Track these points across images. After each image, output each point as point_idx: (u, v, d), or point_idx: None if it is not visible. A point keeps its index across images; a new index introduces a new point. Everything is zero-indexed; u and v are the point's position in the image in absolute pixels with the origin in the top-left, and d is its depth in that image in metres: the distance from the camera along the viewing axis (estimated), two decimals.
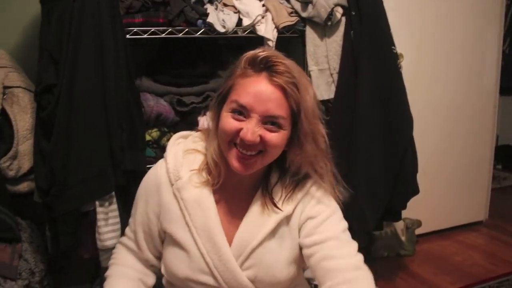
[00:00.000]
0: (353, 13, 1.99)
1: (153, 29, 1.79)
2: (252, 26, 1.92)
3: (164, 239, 1.20)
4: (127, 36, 1.72)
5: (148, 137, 1.83)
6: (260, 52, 1.04)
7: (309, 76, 2.03)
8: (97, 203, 1.63)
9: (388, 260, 2.68)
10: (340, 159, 1.96)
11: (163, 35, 1.81)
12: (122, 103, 1.66)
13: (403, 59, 2.46)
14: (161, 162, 1.19)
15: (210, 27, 1.83)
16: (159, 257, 1.24)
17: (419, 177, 2.18)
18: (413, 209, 2.34)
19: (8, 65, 1.83)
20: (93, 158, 1.61)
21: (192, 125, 1.79)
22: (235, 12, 1.92)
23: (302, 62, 2.16)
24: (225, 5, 1.94)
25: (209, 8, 1.87)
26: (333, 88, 2.04)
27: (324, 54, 2.03)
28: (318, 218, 1.11)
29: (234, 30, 1.89)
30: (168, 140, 1.33)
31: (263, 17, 1.95)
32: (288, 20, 1.96)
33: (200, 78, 1.95)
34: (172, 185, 1.14)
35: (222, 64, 1.99)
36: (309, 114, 1.05)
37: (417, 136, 2.14)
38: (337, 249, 1.07)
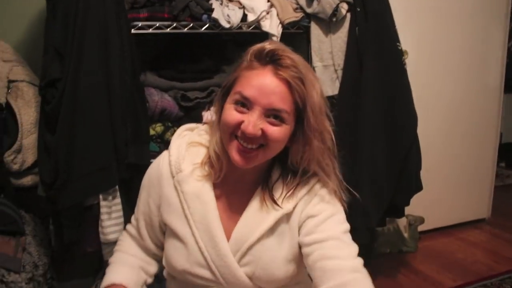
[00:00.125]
0: (358, 9, 1.98)
1: (158, 24, 1.79)
2: (257, 22, 1.92)
3: (165, 230, 1.20)
4: (132, 31, 1.72)
5: (152, 132, 1.83)
6: (267, 45, 1.03)
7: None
8: (100, 197, 1.64)
9: (391, 256, 2.67)
10: (344, 155, 1.98)
11: (167, 30, 1.81)
12: (126, 98, 1.66)
13: (407, 56, 2.46)
14: (165, 153, 1.19)
15: (215, 22, 1.83)
16: (160, 246, 1.24)
17: (423, 174, 2.18)
18: (416, 206, 2.34)
19: (13, 59, 1.83)
20: (97, 152, 1.61)
21: (196, 120, 1.78)
22: (240, 8, 1.92)
23: (306, 58, 2.14)
24: (230, 0, 1.94)
25: (214, 3, 1.87)
26: (337, 84, 2.04)
27: (329, 50, 2.02)
28: (319, 217, 1.09)
29: (239, 26, 1.88)
30: (172, 135, 1.33)
31: (268, 13, 1.94)
32: (293, 16, 1.95)
33: (205, 73, 1.95)
34: (173, 177, 1.14)
35: (226, 59, 1.99)
36: (316, 110, 1.03)
37: (421, 133, 2.14)
38: (336, 249, 1.04)
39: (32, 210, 1.81)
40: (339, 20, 2.00)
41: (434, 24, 2.75)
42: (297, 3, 2.01)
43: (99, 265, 2.00)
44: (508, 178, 4.08)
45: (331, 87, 2.04)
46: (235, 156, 1.04)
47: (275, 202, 1.10)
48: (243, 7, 1.92)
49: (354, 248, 1.06)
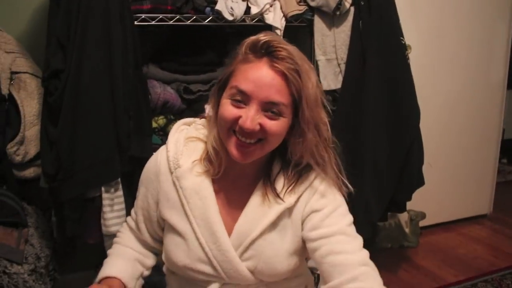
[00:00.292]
0: (362, 3, 1.97)
1: (161, 16, 1.78)
2: (260, 15, 1.91)
3: (163, 226, 1.20)
4: (135, 23, 1.71)
5: (154, 124, 1.83)
6: (262, 37, 1.01)
7: (317, 66, 2.02)
8: (103, 189, 1.63)
9: (392, 251, 2.68)
10: (347, 149, 1.98)
11: (171, 22, 1.81)
12: (129, 90, 1.65)
13: (411, 51, 2.45)
14: (162, 148, 1.18)
15: (218, 15, 1.82)
16: (159, 240, 1.24)
17: (424, 169, 2.18)
18: (417, 201, 2.34)
19: (15, 50, 1.83)
20: (100, 144, 1.61)
21: (198, 113, 1.78)
22: (243, 0, 1.91)
23: (309, 51, 2.14)
24: None
25: None
26: (340, 78, 2.03)
27: (332, 44, 2.02)
28: (324, 211, 1.08)
29: (242, 18, 1.88)
30: None
31: (271, 6, 1.94)
32: (296, 9, 1.95)
33: (207, 66, 1.95)
34: (171, 173, 1.13)
35: (229, 52, 1.98)
36: (311, 102, 1.02)
37: (423, 128, 2.14)
38: (344, 244, 1.04)
39: (34, 202, 1.81)
40: (342, 14, 1.99)
41: (438, 19, 2.75)
42: None
43: (101, 258, 2.00)
44: (510, 174, 4.09)
45: (334, 81, 2.03)
46: (233, 151, 1.03)
47: (277, 195, 1.10)
48: (247, 0, 1.92)
49: (360, 240, 1.07)
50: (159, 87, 1.82)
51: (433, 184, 2.62)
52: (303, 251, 1.13)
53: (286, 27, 1.94)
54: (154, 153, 1.21)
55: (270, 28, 1.92)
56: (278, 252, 1.09)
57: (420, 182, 2.17)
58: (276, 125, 1.01)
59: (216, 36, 2.02)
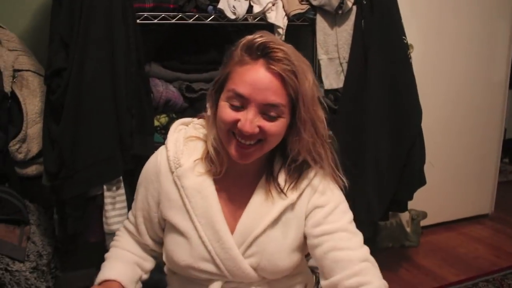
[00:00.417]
0: (364, 2, 1.97)
1: (163, 14, 1.78)
2: (263, 13, 1.91)
3: (164, 227, 1.20)
4: (137, 21, 1.71)
5: (156, 123, 1.83)
6: (257, 38, 1.00)
7: (319, 65, 2.02)
8: (104, 187, 1.64)
9: (393, 251, 2.68)
10: (348, 148, 1.98)
11: (173, 21, 1.81)
12: (131, 88, 1.65)
13: (413, 50, 2.45)
14: (161, 149, 1.18)
15: (221, 14, 1.82)
16: (159, 242, 1.24)
17: (426, 168, 2.18)
18: (419, 201, 2.34)
19: (18, 48, 1.83)
20: (102, 142, 1.61)
21: (200, 112, 1.78)
22: None
23: (311, 50, 2.15)
24: None
25: None
26: (342, 77, 2.03)
27: (334, 43, 2.02)
28: (326, 208, 1.10)
29: (245, 17, 1.88)
30: None
31: (273, 4, 1.93)
32: (298, 8, 1.94)
33: (209, 64, 1.95)
34: (172, 172, 1.13)
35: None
36: (308, 101, 1.03)
37: (424, 128, 2.14)
38: (346, 240, 1.07)
39: (36, 199, 1.81)
40: (345, 13, 1.99)
41: (440, 18, 2.74)
42: None
43: (103, 256, 2.00)
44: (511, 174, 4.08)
45: (336, 80, 2.03)
46: (233, 152, 1.04)
47: (281, 191, 1.10)
48: None
49: (360, 236, 1.10)
50: (161, 86, 1.82)
51: (435, 183, 2.62)
52: (304, 247, 1.14)
53: (288, 26, 1.94)
54: (155, 152, 1.22)
55: (272, 26, 1.91)
56: (280, 248, 1.10)
57: (421, 181, 2.17)
58: (275, 126, 1.02)
59: (218, 34, 2.02)
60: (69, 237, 1.73)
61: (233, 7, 1.84)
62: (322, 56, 2.02)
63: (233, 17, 1.83)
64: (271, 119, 1.01)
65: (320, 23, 2.00)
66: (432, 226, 3.03)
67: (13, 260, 1.45)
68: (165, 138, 1.83)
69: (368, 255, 1.06)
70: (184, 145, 1.15)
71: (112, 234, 1.63)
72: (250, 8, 1.90)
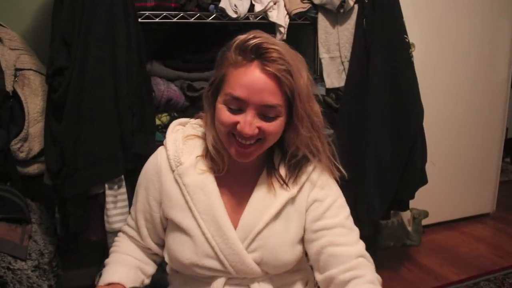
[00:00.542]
0: (366, 1, 1.97)
1: (165, 13, 1.78)
2: (264, 12, 1.91)
3: (166, 226, 1.20)
4: (139, 20, 1.71)
5: (158, 122, 1.83)
6: (251, 40, 1.00)
7: (320, 64, 2.02)
8: (106, 186, 1.64)
9: (394, 250, 2.68)
10: (350, 147, 1.98)
11: (174, 20, 1.81)
12: (132, 87, 1.65)
13: (414, 49, 2.44)
14: (160, 149, 1.19)
15: (222, 13, 1.82)
16: (161, 245, 1.24)
17: (428, 167, 2.17)
18: (420, 200, 2.33)
19: (20, 47, 1.83)
20: (103, 141, 1.61)
21: (202, 110, 1.79)
22: None
23: (313, 49, 2.15)
24: None
25: None
26: (343, 76, 2.03)
27: (336, 41, 2.01)
28: (325, 202, 1.13)
29: (246, 16, 1.88)
30: None
31: (275, 3, 1.93)
32: (300, 6, 1.94)
33: (211, 63, 1.92)
34: (173, 171, 1.14)
35: None
36: (303, 98, 1.04)
37: (426, 127, 2.13)
38: (343, 236, 1.10)
39: (38, 198, 1.81)
40: (346, 12, 1.99)
41: (442, 17, 2.74)
42: None
43: (104, 254, 2.00)
44: None
45: (338, 79, 2.03)
46: (234, 153, 1.06)
47: (284, 182, 1.13)
48: None
49: (357, 232, 1.14)
50: (163, 85, 1.82)
51: (436, 182, 2.62)
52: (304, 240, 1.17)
53: (289, 24, 1.94)
54: (154, 153, 1.22)
55: (273, 25, 1.91)
56: (283, 242, 1.12)
57: (423, 180, 2.16)
58: (274, 126, 1.04)
59: (220, 33, 2.02)
60: (70, 236, 1.73)
61: (235, 6, 1.83)
62: (323, 55, 2.01)
63: (234, 16, 1.83)
64: (270, 119, 1.03)
65: (322, 21, 2.00)
66: (433, 225, 3.04)
67: (15, 258, 1.45)
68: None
69: (363, 251, 1.10)
70: (183, 144, 1.16)
71: (114, 232, 1.64)
72: (252, 7, 1.90)
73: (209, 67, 1.93)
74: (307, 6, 1.97)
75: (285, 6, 1.94)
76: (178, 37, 2.01)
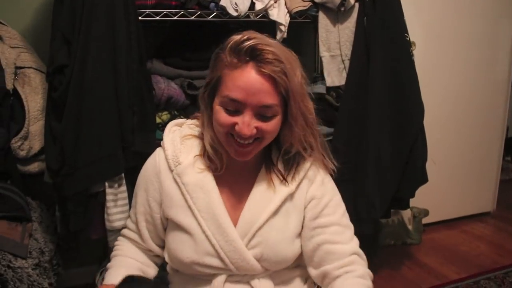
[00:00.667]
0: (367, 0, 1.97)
1: (165, 11, 1.78)
2: (265, 10, 1.90)
3: (166, 226, 1.21)
4: (139, 18, 1.71)
5: (158, 120, 1.82)
6: (245, 42, 1.01)
7: (321, 62, 2.02)
8: (106, 184, 1.64)
9: (394, 248, 2.68)
10: (350, 145, 1.98)
11: (175, 18, 1.80)
12: (133, 86, 1.65)
13: (415, 47, 2.44)
14: (158, 150, 1.21)
15: (223, 11, 1.82)
16: (163, 246, 1.25)
17: (428, 166, 2.17)
18: (420, 198, 2.33)
19: (20, 45, 1.83)
20: (104, 139, 1.61)
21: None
22: None
23: (313, 47, 2.14)
24: None
25: None
26: (344, 74, 2.03)
27: (336, 40, 2.01)
28: (323, 200, 1.16)
29: (247, 14, 1.87)
30: None
31: (275, 1, 1.92)
32: (301, 5, 1.94)
33: None
34: (172, 171, 1.15)
35: None
36: (298, 97, 1.06)
37: (427, 125, 2.13)
38: (339, 234, 1.16)
39: (38, 196, 1.81)
40: (347, 10, 1.98)
41: (443, 15, 2.74)
42: None
43: (104, 253, 2.01)
44: None
45: (338, 78, 2.03)
46: (233, 152, 1.08)
47: (284, 177, 1.15)
48: None
49: (351, 229, 1.20)
50: (163, 83, 1.82)
51: (437, 181, 2.61)
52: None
53: (290, 23, 1.93)
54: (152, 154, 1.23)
55: (274, 23, 1.91)
56: (283, 237, 1.14)
57: (423, 179, 2.16)
58: (271, 125, 1.06)
59: (220, 31, 2.02)
60: (71, 234, 1.73)
61: (235, 4, 1.83)
62: (324, 53, 2.01)
63: (235, 14, 1.82)
64: (267, 119, 1.05)
65: (322, 20, 2.00)
66: (433, 223, 3.04)
67: (15, 257, 1.45)
68: None
69: (357, 248, 1.17)
70: (181, 144, 1.18)
71: (114, 231, 1.64)
72: (252, 5, 1.89)
73: (209, 66, 1.93)
74: (307, 4, 1.96)
75: (285, 4, 1.93)
76: (178, 35, 2.01)
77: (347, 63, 2.02)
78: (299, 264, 1.23)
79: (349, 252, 1.14)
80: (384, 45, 1.98)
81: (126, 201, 1.68)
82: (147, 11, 1.75)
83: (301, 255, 1.20)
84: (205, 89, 1.11)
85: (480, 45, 2.93)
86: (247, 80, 1.00)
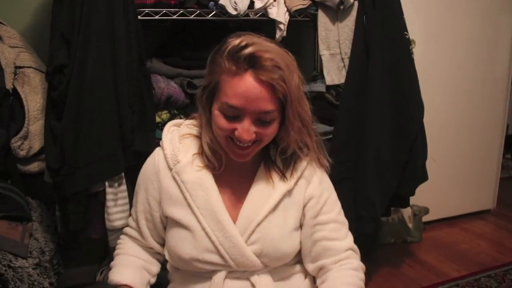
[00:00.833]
0: None
1: (164, 10, 1.78)
2: (264, 9, 1.90)
3: (166, 225, 1.22)
4: (139, 17, 1.71)
5: (158, 119, 1.82)
6: (243, 49, 1.00)
7: (320, 60, 2.02)
8: (106, 183, 1.64)
9: (395, 246, 2.68)
10: (350, 144, 1.98)
11: (174, 17, 1.80)
12: (132, 85, 1.65)
13: (415, 46, 2.44)
14: (157, 150, 1.22)
15: (222, 9, 1.81)
16: (163, 244, 1.26)
17: (428, 164, 2.17)
18: (421, 196, 2.33)
19: (19, 45, 1.83)
20: (103, 138, 1.61)
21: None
22: None
23: (313, 46, 2.14)
24: None
25: None
26: (344, 73, 2.03)
27: (336, 38, 2.01)
28: (321, 199, 1.19)
29: (246, 13, 1.87)
30: None
31: (275, 0, 1.93)
32: (300, 3, 1.94)
33: None
34: (171, 169, 1.16)
35: None
36: (295, 100, 1.06)
37: (426, 123, 2.13)
38: (336, 231, 1.20)
39: (38, 196, 1.81)
40: (346, 8, 1.99)
41: (442, 13, 2.73)
42: None
43: (105, 252, 2.01)
44: None
45: (338, 76, 2.03)
46: (232, 154, 1.10)
47: (283, 174, 1.16)
48: None
49: (346, 225, 1.25)
50: (163, 82, 1.82)
51: (437, 179, 2.61)
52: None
53: (289, 21, 1.94)
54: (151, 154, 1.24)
55: (273, 22, 1.91)
56: (282, 233, 1.15)
57: (423, 177, 2.16)
58: (270, 129, 1.07)
59: (220, 30, 2.02)
60: (71, 234, 1.73)
61: (235, 2, 1.83)
62: (323, 51, 2.01)
63: (234, 13, 1.82)
64: (266, 124, 1.06)
65: (322, 18, 2.00)
66: (434, 221, 3.04)
67: (15, 256, 1.46)
68: None
69: (352, 244, 1.23)
70: (179, 143, 1.19)
71: (114, 230, 1.64)
72: (252, 3, 1.89)
73: (206, 67, 1.93)
74: (307, 3, 1.96)
75: (285, 3, 1.94)
76: (178, 34, 2.01)
77: (346, 61, 2.02)
78: (299, 260, 1.24)
79: (345, 248, 1.19)
80: (384, 44, 1.98)
81: (126, 200, 1.69)
82: (147, 10, 1.75)
83: (300, 252, 1.22)
84: (203, 92, 1.11)
85: (480, 43, 2.92)
86: (246, 88, 1.01)
